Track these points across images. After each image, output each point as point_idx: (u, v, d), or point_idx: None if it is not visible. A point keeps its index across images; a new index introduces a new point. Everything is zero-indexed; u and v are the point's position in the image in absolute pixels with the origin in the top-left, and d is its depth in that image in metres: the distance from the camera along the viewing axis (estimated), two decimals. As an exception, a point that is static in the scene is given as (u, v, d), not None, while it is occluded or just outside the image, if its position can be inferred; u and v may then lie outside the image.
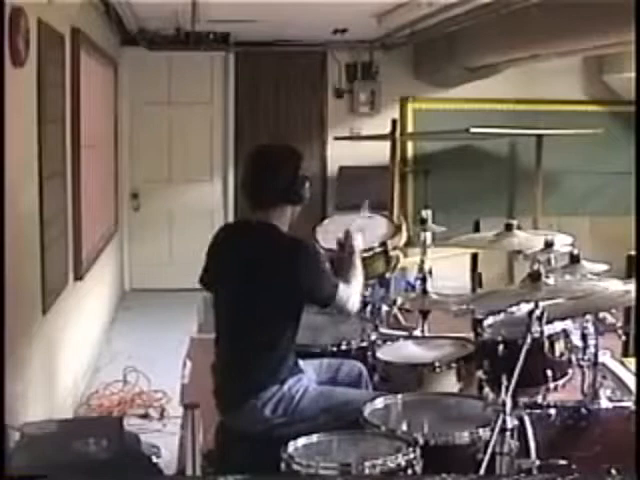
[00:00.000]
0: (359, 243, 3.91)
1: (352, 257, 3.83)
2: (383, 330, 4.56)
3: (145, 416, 5.38)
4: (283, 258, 3.53)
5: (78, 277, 5.65)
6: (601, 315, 3.69)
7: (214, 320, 3.74)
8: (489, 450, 2.90)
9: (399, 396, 3.50)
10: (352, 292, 3.65)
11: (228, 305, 3.68)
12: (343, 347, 4.00)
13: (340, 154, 8.88)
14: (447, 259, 6.49)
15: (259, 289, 3.53)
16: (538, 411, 3.49)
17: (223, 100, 8.97)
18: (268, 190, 3.58)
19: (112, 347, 6.89)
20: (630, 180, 6.16)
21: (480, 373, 3.71)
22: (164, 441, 4.59)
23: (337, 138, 8.77)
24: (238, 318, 3.61)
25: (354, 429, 3.24)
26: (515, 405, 3.10)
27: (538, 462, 3.09)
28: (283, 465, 2.97)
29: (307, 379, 3.66)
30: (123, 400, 5.55)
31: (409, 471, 2.92)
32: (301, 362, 3.72)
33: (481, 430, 3.11)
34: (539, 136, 8.35)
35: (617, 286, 3.42)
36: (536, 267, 3.41)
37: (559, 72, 8.50)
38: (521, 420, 3.18)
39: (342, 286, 3.60)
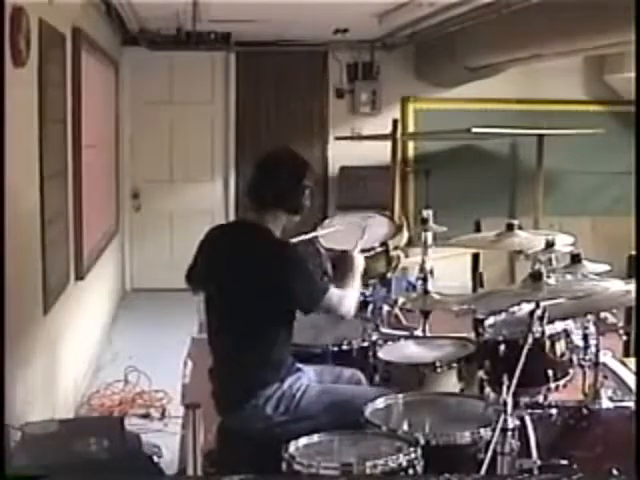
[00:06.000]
0: (359, 262, 3.89)
1: (350, 274, 3.81)
2: (384, 330, 4.55)
3: (146, 416, 5.38)
4: (268, 260, 3.53)
5: (79, 277, 5.65)
6: (602, 315, 3.70)
7: (206, 320, 3.74)
8: (490, 450, 2.90)
9: (400, 396, 3.50)
10: (345, 296, 3.64)
11: (220, 305, 3.67)
12: (344, 347, 3.98)
13: (341, 154, 8.88)
14: (448, 259, 6.48)
15: (249, 289, 3.52)
16: (539, 411, 3.49)
17: (224, 100, 8.98)
18: (266, 194, 3.59)
19: (113, 347, 6.90)
20: (631, 180, 6.16)
21: (481, 373, 3.71)
22: (165, 441, 4.59)
23: (338, 138, 8.78)
24: (232, 318, 3.60)
25: (356, 426, 3.23)
26: (516, 405, 3.10)
27: (539, 462, 3.09)
28: (284, 465, 2.97)
29: (306, 378, 3.66)
30: (124, 400, 5.56)
31: (410, 471, 2.92)
32: (303, 366, 3.71)
33: (482, 430, 3.11)
34: (540, 136, 8.34)
35: (618, 286, 3.42)
36: (537, 267, 3.41)
37: (560, 72, 8.50)
38: (522, 420, 3.18)
39: (333, 290, 3.59)
